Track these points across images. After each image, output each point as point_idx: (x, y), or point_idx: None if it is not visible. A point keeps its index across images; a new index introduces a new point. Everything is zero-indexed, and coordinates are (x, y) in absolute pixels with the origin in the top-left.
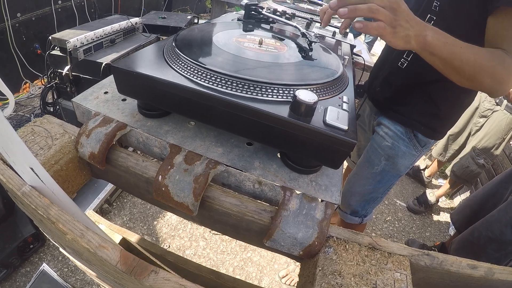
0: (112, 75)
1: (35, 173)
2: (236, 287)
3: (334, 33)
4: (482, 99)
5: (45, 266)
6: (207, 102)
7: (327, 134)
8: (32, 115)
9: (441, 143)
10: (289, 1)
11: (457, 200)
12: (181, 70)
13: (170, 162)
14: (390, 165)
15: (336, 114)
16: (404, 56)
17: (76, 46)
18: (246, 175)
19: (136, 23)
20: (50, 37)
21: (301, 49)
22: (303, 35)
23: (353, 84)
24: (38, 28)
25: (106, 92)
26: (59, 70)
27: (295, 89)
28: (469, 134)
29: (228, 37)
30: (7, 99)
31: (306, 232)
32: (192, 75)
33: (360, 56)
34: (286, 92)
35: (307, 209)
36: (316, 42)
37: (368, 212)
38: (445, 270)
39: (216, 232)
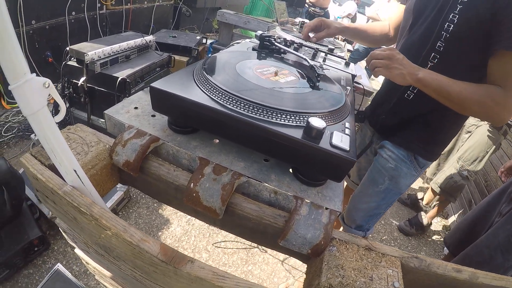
0: (139, 92)
1: (78, 175)
2: None
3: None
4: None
5: (59, 266)
6: (233, 122)
7: (333, 153)
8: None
9: (434, 162)
10: (295, 30)
11: (451, 219)
12: (210, 94)
13: (200, 172)
14: (393, 184)
15: (340, 138)
16: (410, 89)
17: (94, 59)
18: (264, 186)
19: (150, 41)
20: (67, 48)
21: (309, 79)
22: (311, 67)
23: (353, 111)
24: (51, 37)
25: (136, 108)
26: (73, 80)
27: (307, 116)
28: (457, 151)
29: (249, 66)
30: (15, 103)
31: (314, 233)
32: (220, 99)
33: (359, 83)
34: (298, 118)
35: (315, 215)
36: (322, 75)
37: (370, 226)
38: (432, 272)
39: (218, 245)
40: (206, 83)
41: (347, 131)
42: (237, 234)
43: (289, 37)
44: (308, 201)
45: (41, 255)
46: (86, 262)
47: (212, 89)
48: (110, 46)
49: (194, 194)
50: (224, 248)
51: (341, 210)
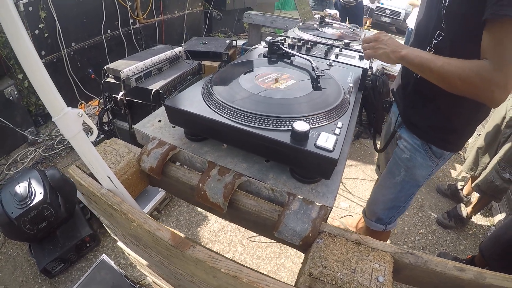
0: (163, 106)
1: (111, 180)
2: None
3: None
4: (508, 108)
5: (104, 256)
6: (233, 132)
7: (316, 154)
8: (89, 133)
9: (470, 157)
10: (315, 26)
11: (498, 217)
12: (214, 108)
13: (208, 174)
14: (409, 175)
15: (325, 138)
16: None
17: (129, 75)
18: (262, 184)
19: (179, 51)
20: (105, 67)
21: (313, 81)
22: (313, 69)
23: (352, 108)
24: (90, 55)
25: (159, 121)
26: (113, 95)
27: (295, 120)
28: (498, 146)
29: (251, 77)
30: None
31: (302, 226)
32: (222, 112)
33: (388, 70)
34: (285, 123)
35: (305, 210)
36: (322, 76)
37: (392, 220)
38: (430, 270)
39: (252, 239)
40: (209, 97)
41: (337, 130)
42: (244, 227)
43: (306, 36)
44: (301, 197)
45: (92, 251)
46: (128, 254)
47: (212, 101)
48: (143, 61)
49: (202, 192)
50: (258, 242)
51: (332, 205)
